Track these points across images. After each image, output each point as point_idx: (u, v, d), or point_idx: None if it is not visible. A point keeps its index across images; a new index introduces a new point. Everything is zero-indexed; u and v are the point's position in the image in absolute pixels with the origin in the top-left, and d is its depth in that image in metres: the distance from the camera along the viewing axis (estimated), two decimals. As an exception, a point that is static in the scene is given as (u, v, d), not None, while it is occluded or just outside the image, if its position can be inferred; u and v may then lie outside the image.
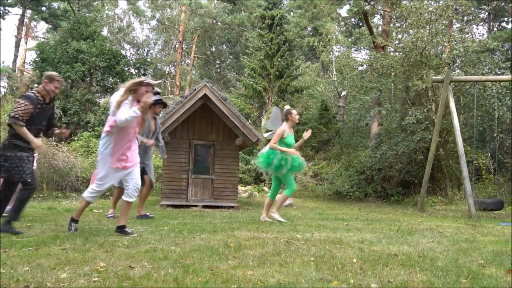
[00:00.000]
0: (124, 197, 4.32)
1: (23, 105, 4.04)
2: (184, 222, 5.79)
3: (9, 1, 26.17)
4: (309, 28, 31.07)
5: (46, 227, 4.70)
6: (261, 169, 6.26)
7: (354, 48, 28.14)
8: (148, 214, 6.38)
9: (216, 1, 31.69)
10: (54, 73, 4.36)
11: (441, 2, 12.76)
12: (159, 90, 6.68)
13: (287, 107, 6.36)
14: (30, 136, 4.08)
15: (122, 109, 4.05)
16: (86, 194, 4.28)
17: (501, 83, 10.27)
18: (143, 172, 6.11)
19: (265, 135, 6.38)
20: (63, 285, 2.32)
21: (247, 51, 23.79)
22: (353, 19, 29.96)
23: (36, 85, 17.29)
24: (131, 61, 20.55)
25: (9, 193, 4.31)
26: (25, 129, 4.06)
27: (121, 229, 4.24)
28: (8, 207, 5.98)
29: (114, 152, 4.14)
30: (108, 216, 6.17)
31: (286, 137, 5.93)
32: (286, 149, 5.86)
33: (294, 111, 6.16)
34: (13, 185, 4.24)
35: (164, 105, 6.74)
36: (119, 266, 2.77)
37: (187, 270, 2.67)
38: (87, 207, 4.48)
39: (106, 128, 4.12)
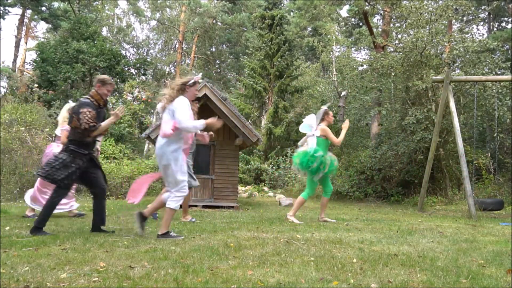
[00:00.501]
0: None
1: (87, 112, 4.10)
2: (184, 222, 5.79)
3: (9, 1, 26.16)
4: (309, 29, 31.07)
5: (46, 227, 4.70)
6: (297, 170, 6.30)
7: (354, 48, 28.13)
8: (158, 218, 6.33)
9: (216, 1, 31.69)
10: (106, 76, 4.42)
11: (441, 2, 12.76)
12: None
13: (324, 107, 6.42)
14: (107, 122, 4.22)
15: (182, 110, 3.94)
16: (175, 204, 4.02)
17: (501, 83, 10.27)
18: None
19: (300, 143, 6.37)
20: (63, 285, 2.32)
21: (247, 51, 23.80)
22: (353, 19, 29.95)
23: (36, 85, 17.29)
24: (131, 61, 20.56)
25: (102, 202, 4.39)
26: (101, 125, 4.18)
27: (165, 235, 4.10)
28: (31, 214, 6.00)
29: (180, 157, 4.09)
30: (191, 220, 6.03)
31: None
32: (344, 132, 6.10)
33: (331, 112, 6.27)
34: (61, 191, 4.21)
35: (199, 101, 6.64)
36: (119, 266, 2.77)
37: (187, 270, 2.67)
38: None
39: (165, 130, 3.95)
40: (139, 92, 21.83)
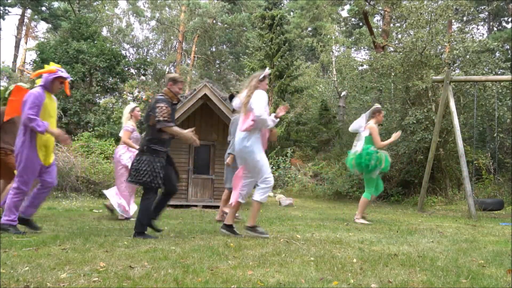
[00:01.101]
0: (240, 199, 4.48)
1: (164, 107, 4.13)
2: (184, 222, 5.79)
3: (9, 1, 26.17)
4: (309, 28, 31.08)
5: (46, 227, 4.70)
6: (354, 172, 6.31)
7: (354, 48, 28.15)
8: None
9: (215, 1, 31.69)
10: (176, 74, 4.47)
11: (440, 2, 12.76)
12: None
13: (377, 105, 6.43)
14: (182, 131, 4.23)
15: (260, 102, 4.10)
16: (261, 197, 4.18)
17: (501, 83, 10.27)
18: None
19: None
20: (63, 285, 2.32)
21: (247, 51, 23.80)
22: (353, 19, 29.97)
23: (36, 84, 17.26)
24: (131, 61, 20.57)
25: (168, 200, 4.40)
26: (176, 127, 4.20)
27: (252, 229, 4.27)
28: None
29: (261, 149, 4.23)
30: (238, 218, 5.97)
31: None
32: (391, 140, 6.03)
33: (383, 111, 6.31)
34: (151, 192, 4.20)
35: None
36: (119, 266, 2.77)
37: (187, 270, 2.67)
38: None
39: (247, 124, 4.12)
40: (139, 92, 21.84)
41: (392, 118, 12.67)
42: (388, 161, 5.98)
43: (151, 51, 36.57)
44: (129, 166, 5.75)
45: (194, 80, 30.76)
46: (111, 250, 3.32)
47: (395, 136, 6.13)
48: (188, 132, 4.24)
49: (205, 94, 9.22)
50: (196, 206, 9.30)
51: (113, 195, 6.03)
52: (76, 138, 14.32)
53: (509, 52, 19.68)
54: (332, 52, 23.87)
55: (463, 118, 11.27)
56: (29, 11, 29.30)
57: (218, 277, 2.51)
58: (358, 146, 6.03)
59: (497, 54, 16.14)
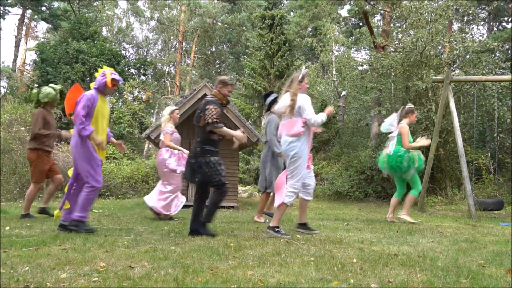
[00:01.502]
0: (304, 196, 4.62)
1: (213, 109, 4.23)
2: (184, 222, 5.79)
3: (9, 1, 26.17)
4: (309, 28, 31.07)
5: (46, 227, 4.70)
6: (387, 173, 6.29)
7: (354, 48, 28.14)
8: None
9: (215, 1, 31.69)
10: (226, 77, 4.57)
11: (441, 2, 12.76)
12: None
13: (410, 105, 6.41)
14: (231, 131, 4.33)
15: (308, 107, 4.26)
16: (286, 199, 4.31)
17: (501, 83, 10.26)
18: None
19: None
20: (63, 285, 2.32)
21: (247, 51, 23.81)
22: (353, 19, 29.96)
23: (36, 85, 17.28)
24: (131, 61, 20.57)
25: (206, 196, 4.53)
26: (225, 128, 4.28)
27: (304, 226, 4.49)
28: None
29: (307, 153, 4.35)
30: (265, 221, 5.99)
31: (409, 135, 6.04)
32: (419, 145, 5.92)
33: (416, 112, 6.27)
34: (207, 189, 4.41)
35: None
36: (119, 266, 2.77)
37: (187, 270, 2.67)
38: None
39: (297, 130, 4.25)
40: (139, 92, 21.83)
41: (392, 118, 12.66)
42: (422, 159, 5.96)
43: (151, 51, 36.59)
44: (178, 170, 5.80)
45: (194, 80, 30.77)
46: (111, 250, 3.32)
47: (424, 142, 5.97)
48: (237, 132, 4.37)
49: (205, 94, 9.22)
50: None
51: (154, 200, 6.05)
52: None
53: (509, 52, 19.67)
54: (332, 52, 23.86)
55: (463, 118, 11.26)
56: (29, 11, 29.29)
57: (218, 277, 2.51)
58: (390, 146, 6.01)
59: (497, 54, 16.14)
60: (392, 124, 6.15)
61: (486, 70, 11.27)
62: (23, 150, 10.37)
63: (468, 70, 11.17)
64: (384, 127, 6.30)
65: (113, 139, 4.78)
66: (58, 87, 6.20)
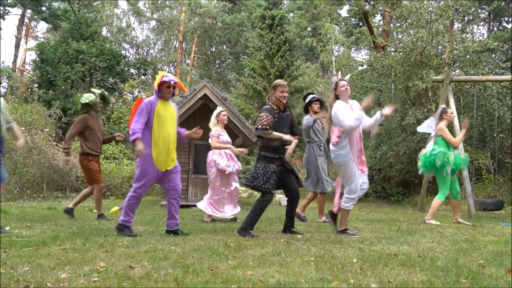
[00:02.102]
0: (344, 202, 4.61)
1: (264, 116, 4.35)
2: (184, 222, 5.79)
3: (9, 1, 26.16)
4: (309, 28, 31.07)
5: (46, 227, 4.70)
6: (424, 173, 6.31)
7: (354, 48, 28.15)
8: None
9: (216, 1, 31.69)
10: (277, 80, 4.62)
11: (441, 2, 12.75)
12: None
13: (442, 106, 6.45)
14: (280, 134, 4.37)
15: (340, 113, 4.30)
16: (345, 204, 4.43)
17: (501, 83, 10.26)
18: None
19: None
20: (63, 285, 2.32)
21: (247, 51, 23.80)
22: (353, 19, 29.96)
23: (36, 85, 17.29)
24: (131, 61, 20.56)
25: (295, 206, 4.67)
26: (274, 133, 4.34)
27: (343, 232, 4.51)
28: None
29: (353, 157, 4.40)
30: (325, 221, 5.96)
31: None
32: (463, 133, 6.00)
33: (449, 110, 6.30)
34: (266, 195, 4.41)
35: (321, 103, 6.52)
36: (119, 266, 2.77)
37: (187, 270, 2.67)
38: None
39: (334, 139, 4.38)
40: (139, 92, 21.84)
41: (392, 118, 12.66)
42: (461, 159, 5.97)
43: (151, 51, 36.58)
44: (227, 171, 5.85)
45: (194, 80, 30.76)
46: (111, 250, 3.32)
47: (465, 126, 6.00)
48: (288, 136, 4.40)
49: (205, 94, 9.22)
50: (196, 206, 9.29)
51: (205, 205, 6.05)
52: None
53: (509, 52, 19.66)
54: (332, 52, 23.86)
55: (463, 118, 11.26)
56: (29, 11, 29.28)
57: (218, 277, 2.51)
58: (428, 147, 6.07)
59: (497, 54, 16.13)
60: (431, 125, 6.22)
61: (486, 70, 11.27)
62: (23, 150, 10.37)
63: (468, 70, 11.17)
64: (421, 129, 6.43)
65: (187, 132, 4.55)
66: (98, 91, 6.30)
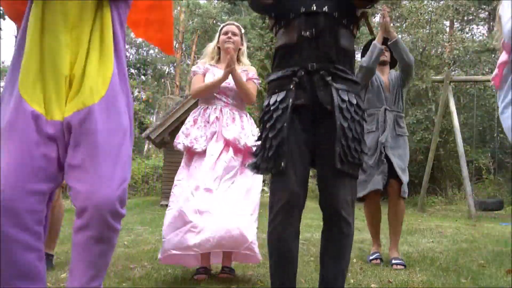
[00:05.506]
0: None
1: None
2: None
3: (9, 1, 26.17)
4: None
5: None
6: None
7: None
8: None
9: (216, 1, 31.69)
10: None
11: (441, 2, 12.76)
12: None
13: None
14: None
15: None
16: None
17: (501, 83, 10.26)
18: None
19: None
20: (63, 285, 2.32)
21: (247, 51, 23.80)
22: (353, 19, 29.93)
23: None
24: (131, 61, 20.57)
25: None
26: None
27: None
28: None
29: None
30: None
31: None
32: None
33: None
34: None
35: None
36: (119, 266, 2.77)
37: (187, 270, 2.67)
38: None
39: None
40: (139, 92, 21.85)
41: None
42: None
43: (151, 51, 36.55)
44: None
45: (194, 80, 30.72)
46: (111, 250, 3.31)
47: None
48: None
49: (205, 94, 9.22)
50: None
51: None
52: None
53: (509, 52, 19.62)
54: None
55: (463, 118, 11.27)
56: (29, 11, 29.29)
57: (218, 277, 2.51)
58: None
59: (497, 54, 16.13)
60: None
61: (486, 70, 11.28)
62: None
63: (468, 70, 11.18)
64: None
65: None
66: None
